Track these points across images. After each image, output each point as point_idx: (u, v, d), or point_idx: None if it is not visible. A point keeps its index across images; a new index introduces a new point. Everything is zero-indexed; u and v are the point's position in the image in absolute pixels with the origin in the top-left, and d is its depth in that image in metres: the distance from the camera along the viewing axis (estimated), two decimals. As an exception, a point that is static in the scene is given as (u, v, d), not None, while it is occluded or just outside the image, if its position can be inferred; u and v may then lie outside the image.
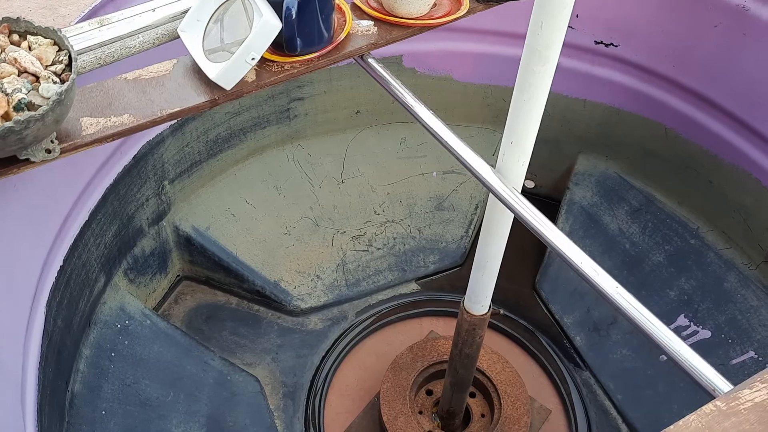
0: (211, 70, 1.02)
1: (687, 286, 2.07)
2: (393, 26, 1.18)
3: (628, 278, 2.11)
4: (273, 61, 1.08)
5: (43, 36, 0.92)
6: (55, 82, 0.88)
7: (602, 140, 2.25)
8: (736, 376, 1.89)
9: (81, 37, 1.07)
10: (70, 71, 0.90)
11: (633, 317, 0.86)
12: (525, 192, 1.06)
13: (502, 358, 1.89)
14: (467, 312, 1.49)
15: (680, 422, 0.67)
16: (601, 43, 2.02)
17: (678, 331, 2.00)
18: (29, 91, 0.86)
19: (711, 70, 1.88)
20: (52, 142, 0.91)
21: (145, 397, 1.76)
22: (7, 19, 0.91)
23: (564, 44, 0.96)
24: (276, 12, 1.02)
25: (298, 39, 1.05)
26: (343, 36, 1.13)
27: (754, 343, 1.93)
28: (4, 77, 0.86)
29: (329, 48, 1.11)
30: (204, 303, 2.17)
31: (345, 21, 1.16)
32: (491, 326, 2.12)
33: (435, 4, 1.22)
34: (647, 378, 1.96)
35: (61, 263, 1.57)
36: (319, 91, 2.19)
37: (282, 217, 2.24)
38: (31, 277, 1.46)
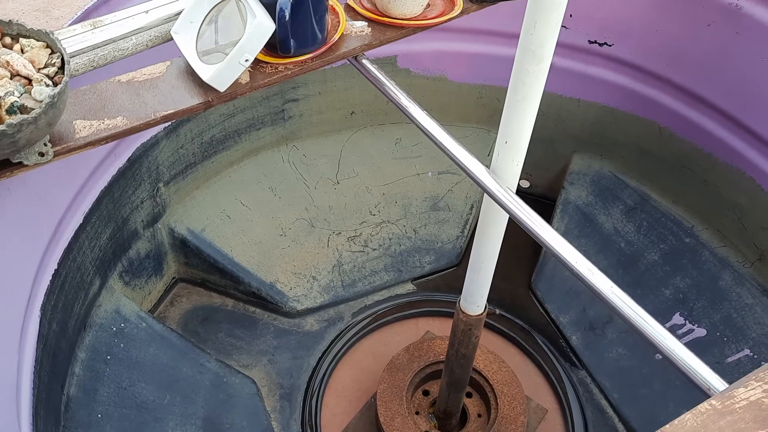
0: (205, 72, 1.02)
1: (682, 284, 2.07)
2: (387, 27, 1.18)
3: (624, 277, 2.12)
4: (267, 63, 1.08)
5: (35, 39, 0.92)
6: (47, 85, 0.88)
7: (597, 139, 2.26)
8: (732, 374, 1.89)
9: (74, 39, 1.06)
10: (63, 74, 0.89)
11: (628, 317, 0.86)
12: (520, 192, 1.07)
13: (498, 358, 1.89)
14: (463, 312, 1.49)
15: (675, 421, 0.67)
16: (595, 42, 2.02)
17: (673, 329, 2.01)
18: (22, 95, 0.86)
19: (705, 69, 1.89)
20: (45, 145, 0.91)
21: (141, 400, 1.75)
22: (-1, 22, 0.91)
23: (558, 44, 0.96)
24: (269, 13, 1.02)
25: (291, 40, 1.05)
26: (336, 37, 1.13)
27: (749, 341, 1.93)
28: (-4, 80, 0.86)
29: (323, 49, 1.11)
30: (200, 305, 2.17)
31: (339, 22, 1.16)
32: (487, 326, 2.12)
33: (428, 5, 1.22)
34: (643, 376, 1.96)
35: (56, 267, 1.57)
36: (313, 92, 2.18)
37: (277, 219, 2.24)
38: (26, 280, 1.45)
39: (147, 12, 1.12)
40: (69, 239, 1.61)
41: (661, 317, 2.03)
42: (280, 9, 1.01)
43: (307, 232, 2.25)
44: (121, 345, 1.81)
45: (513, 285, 2.24)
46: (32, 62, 0.89)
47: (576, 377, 2.03)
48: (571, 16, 1.99)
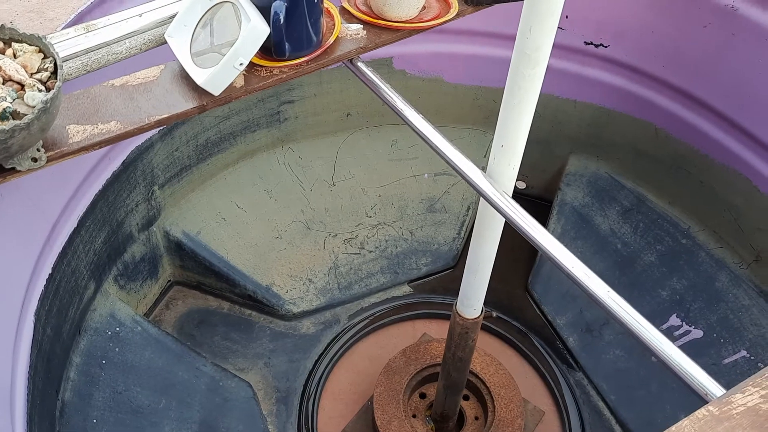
0: (199, 76, 1.02)
1: (679, 285, 2.07)
2: (382, 29, 1.17)
3: (620, 278, 2.12)
4: (261, 66, 1.08)
5: (28, 43, 0.91)
6: (40, 90, 0.87)
7: (593, 141, 2.25)
8: (729, 375, 1.89)
9: (67, 43, 1.06)
10: (56, 79, 0.89)
11: (625, 321, 0.86)
12: (516, 193, 1.06)
13: (495, 360, 1.89)
14: (460, 316, 1.49)
15: (673, 428, 0.67)
16: (591, 43, 2.02)
17: (670, 330, 2.01)
18: (14, 100, 0.85)
19: (701, 71, 1.89)
20: (38, 150, 0.90)
21: (136, 405, 1.75)
22: (-10, 27, 0.90)
23: (554, 45, 0.95)
24: (264, 16, 1.01)
25: (286, 43, 1.05)
26: (332, 40, 1.13)
27: (746, 342, 1.93)
28: (-13, 86, 0.85)
29: (318, 52, 1.11)
30: (195, 308, 2.16)
31: (334, 25, 1.15)
32: (484, 328, 2.12)
33: (424, 7, 1.21)
34: (640, 378, 1.96)
35: (50, 271, 1.56)
36: (309, 94, 2.18)
37: (273, 221, 2.23)
38: (19, 286, 1.44)
39: (141, 15, 1.11)
40: (63, 243, 1.60)
41: (658, 318, 2.03)
42: (275, 12, 1.00)
43: (303, 235, 2.24)
44: (117, 349, 1.80)
45: (510, 287, 2.24)
46: (25, 67, 0.88)
47: (573, 379, 2.02)
48: (567, 17, 1.99)
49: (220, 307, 2.16)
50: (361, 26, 1.17)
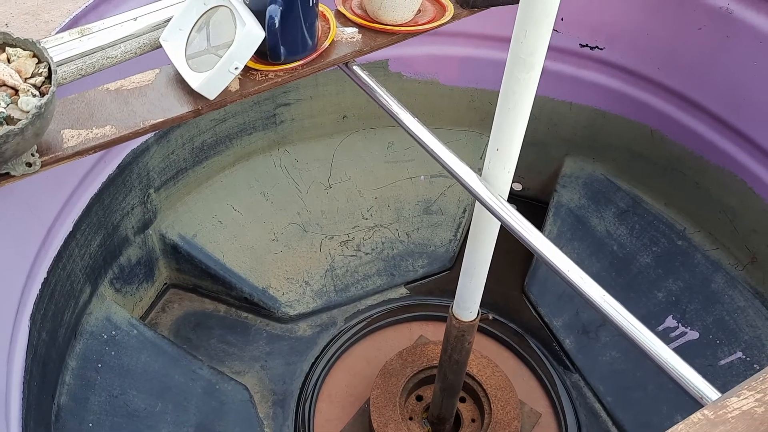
0: (194, 80, 1.01)
1: (675, 287, 2.07)
2: (378, 33, 1.17)
3: (617, 280, 2.12)
4: (257, 70, 1.08)
5: (22, 48, 0.91)
6: (34, 95, 0.87)
7: (589, 142, 2.26)
8: (725, 377, 1.90)
9: (61, 47, 1.05)
10: (50, 83, 0.88)
11: (620, 325, 0.86)
12: (512, 195, 1.06)
13: (491, 363, 1.89)
14: (456, 318, 1.49)
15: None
16: (587, 46, 2.03)
17: (666, 332, 2.01)
18: (8, 105, 0.85)
19: (696, 73, 1.89)
20: (32, 155, 0.90)
21: (132, 408, 1.74)
22: (-16, 32, 0.90)
23: (549, 47, 0.96)
24: (259, 20, 1.01)
25: (281, 47, 1.05)
26: (327, 44, 1.13)
27: (741, 343, 1.94)
28: (-19, 91, 0.85)
29: (313, 56, 1.11)
30: (191, 311, 2.16)
31: (329, 28, 1.15)
32: (480, 330, 2.12)
33: (419, 11, 1.22)
34: (636, 380, 1.97)
35: (45, 275, 1.55)
36: (305, 97, 2.18)
37: (269, 224, 2.23)
38: (14, 290, 1.44)
39: (135, 19, 1.11)
40: (58, 247, 1.60)
41: (654, 320, 2.03)
42: (270, 16, 1.00)
43: (299, 237, 2.24)
44: (112, 353, 1.79)
45: (506, 288, 2.24)
46: (19, 72, 0.88)
47: (569, 381, 2.03)
48: (562, 20, 1.99)
49: (216, 309, 2.16)
50: (357, 30, 1.17)
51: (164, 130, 1.88)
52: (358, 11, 1.19)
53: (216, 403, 1.85)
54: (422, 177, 2.38)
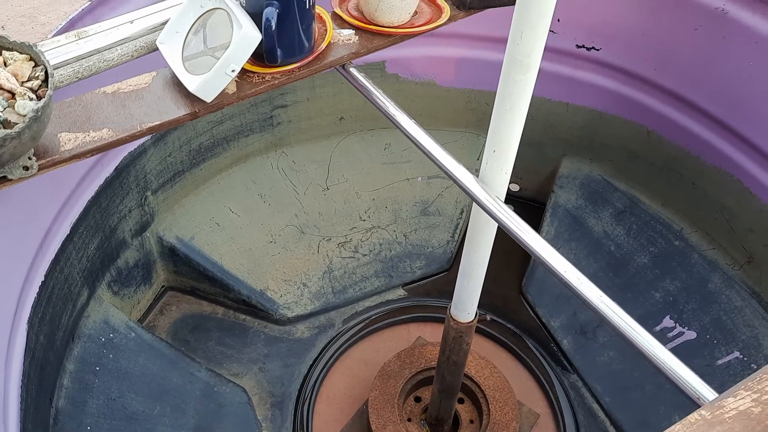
0: (191, 83, 1.02)
1: (672, 287, 2.08)
2: (374, 35, 1.17)
3: (614, 280, 2.12)
4: (254, 72, 1.08)
5: (18, 51, 0.91)
6: (31, 99, 0.87)
7: (586, 143, 2.26)
8: (722, 376, 1.90)
9: (58, 50, 1.06)
10: (47, 87, 0.88)
11: (617, 326, 0.86)
12: (510, 195, 1.06)
13: (489, 364, 1.89)
14: (454, 320, 1.49)
15: (666, 432, 0.67)
16: (583, 47, 2.03)
17: (664, 332, 2.01)
18: (5, 109, 0.85)
19: (692, 73, 1.90)
20: (29, 158, 0.90)
21: (131, 411, 1.74)
22: (-19, 36, 0.90)
23: (546, 48, 0.96)
24: (256, 23, 1.01)
25: (278, 50, 1.05)
26: (324, 46, 1.13)
27: (738, 343, 1.94)
28: (-22, 95, 0.85)
29: (310, 58, 1.11)
30: (189, 313, 2.15)
31: (326, 30, 1.16)
32: (478, 331, 2.12)
33: (416, 12, 1.22)
34: (634, 379, 1.97)
35: (43, 278, 1.55)
36: (302, 98, 2.18)
37: (267, 225, 2.23)
38: (12, 294, 1.44)
39: (132, 22, 1.11)
40: (56, 250, 1.60)
41: (652, 320, 2.04)
42: (267, 19, 1.00)
43: (297, 239, 2.24)
44: (110, 356, 1.79)
45: (504, 289, 2.24)
46: (15, 76, 0.88)
47: (567, 381, 2.03)
48: (558, 20, 2.00)
49: (214, 312, 2.16)
50: (353, 32, 1.17)
51: (161, 132, 1.88)
52: (355, 13, 1.19)
53: (214, 405, 1.85)
54: (420, 178, 2.39)
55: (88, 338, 1.78)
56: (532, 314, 2.17)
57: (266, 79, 1.08)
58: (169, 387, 1.83)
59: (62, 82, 1.04)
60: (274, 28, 1.01)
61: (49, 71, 0.89)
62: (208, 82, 0.99)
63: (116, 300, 1.95)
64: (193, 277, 2.13)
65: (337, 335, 2.12)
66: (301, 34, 1.07)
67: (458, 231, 2.31)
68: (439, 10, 1.23)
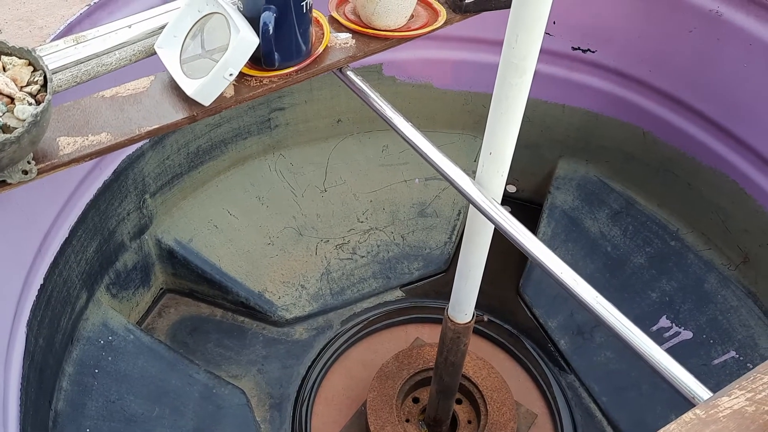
0: (189, 87, 1.02)
1: (668, 287, 2.09)
2: (371, 38, 1.18)
3: (611, 281, 2.13)
4: (251, 76, 1.09)
5: (17, 56, 0.92)
6: (30, 104, 0.88)
7: (582, 144, 2.27)
8: (719, 376, 1.91)
9: (56, 55, 1.06)
10: (46, 92, 0.89)
11: (613, 326, 0.87)
12: (507, 197, 1.07)
13: (487, 364, 1.90)
14: (451, 320, 1.50)
15: (661, 431, 0.68)
16: (579, 49, 2.04)
17: (660, 332, 2.02)
18: (4, 113, 0.85)
19: (687, 75, 1.91)
20: (28, 163, 0.91)
21: (130, 413, 1.74)
22: (-20, 41, 0.90)
23: (542, 50, 0.97)
24: (253, 27, 1.02)
25: (275, 54, 1.06)
26: (321, 49, 1.14)
27: (735, 343, 1.95)
28: (-22, 100, 0.85)
29: (308, 61, 1.12)
30: (188, 316, 2.16)
31: (323, 34, 1.16)
32: (476, 331, 2.13)
33: (412, 16, 1.23)
34: (631, 380, 1.98)
35: (42, 282, 1.55)
36: (299, 101, 2.19)
37: (265, 228, 2.23)
38: (11, 297, 1.44)
39: (130, 26, 1.12)
40: (55, 254, 1.60)
41: (648, 320, 2.05)
42: (264, 23, 1.01)
43: (294, 241, 2.25)
44: (109, 358, 1.80)
45: (501, 290, 2.25)
46: (14, 80, 0.89)
47: (565, 381, 2.04)
48: (554, 23, 2.01)
49: (212, 314, 2.16)
50: (350, 35, 1.18)
51: (159, 136, 1.88)
52: (352, 17, 1.20)
53: (213, 407, 1.85)
54: (417, 180, 2.39)
55: (87, 341, 1.79)
56: (530, 315, 2.18)
57: (264, 82, 1.08)
58: (168, 389, 1.83)
59: (61, 86, 1.04)
60: (271, 32, 1.01)
61: (47, 76, 0.89)
62: (206, 86, 1.00)
63: (115, 303, 1.95)
64: (192, 279, 2.13)
65: (335, 336, 2.13)
66: (299, 37, 1.08)
67: (455, 232, 2.32)
68: (436, 14, 1.24)
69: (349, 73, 1.16)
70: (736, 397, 0.71)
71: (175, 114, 1.02)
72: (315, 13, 1.16)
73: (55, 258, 1.61)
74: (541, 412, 1.99)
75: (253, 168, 2.26)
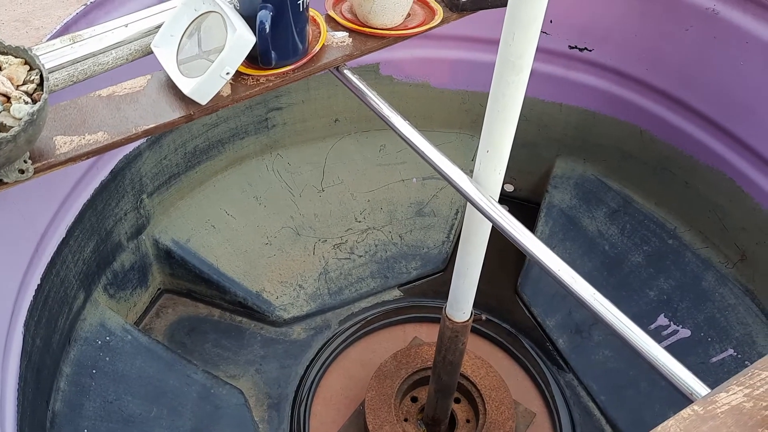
0: (186, 86, 1.02)
1: (666, 285, 2.09)
2: (368, 37, 1.18)
3: (608, 279, 2.13)
4: (248, 75, 1.08)
5: (13, 55, 0.91)
6: (26, 103, 0.87)
7: (579, 143, 2.27)
8: (717, 374, 1.91)
9: (53, 54, 1.06)
10: (42, 91, 0.89)
11: (611, 323, 0.87)
12: (504, 195, 1.07)
13: (485, 363, 1.90)
14: (449, 319, 1.50)
15: (659, 428, 0.68)
16: (576, 47, 2.04)
17: (658, 330, 2.03)
18: (0, 112, 0.85)
19: (684, 73, 1.91)
20: (25, 162, 0.91)
21: (127, 414, 1.74)
22: (-24, 40, 0.90)
23: (539, 49, 0.97)
24: (250, 26, 1.02)
25: (272, 52, 1.05)
26: (318, 48, 1.13)
27: (732, 340, 1.95)
28: (-26, 99, 0.85)
29: (304, 60, 1.12)
30: (186, 316, 2.16)
31: (320, 33, 1.16)
32: (474, 330, 2.13)
33: (409, 14, 1.23)
34: (629, 378, 1.98)
35: (39, 282, 1.55)
36: (296, 101, 2.18)
37: (263, 227, 2.23)
38: (8, 297, 1.44)
39: (126, 26, 1.11)
40: (52, 254, 1.60)
41: (646, 319, 2.05)
42: (260, 21, 1.01)
43: (292, 241, 2.25)
44: (107, 358, 1.79)
45: (499, 289, 2.25)
46: (10, 79, 0.88)
47: (563, 380, 2.04)
48: (551, 22, 2.01)
49: (210, 314, 2.16)
50: (347, 34, 1.18)
51: (156, 135, 1.89)
52: (349, 15, 1.20)
53: (211, 407, 1.85)
54: (414, 179, 2.39)
55: (84, 341, 1.78)
56: (528, 314, 2.18)
57: (261, 81, 1.08)
58: (165, 389, 1.83)
59: (57, 85, 1.04)
60: (268, 30, 1.01)
61: (44, 75, 0.89)
62: (203, 85, 1.00)
63: (112, 303, 1.95)
64: (189, 279, 2.13)
65: (333, 336, 2.12)
66: (295, 36, 1.08)
67: (453, 231, 2.32)
68: (432, 12, 1.24)
69: (346, 72, 1.16)
70: (734, 393, 0.71)
71: (171, 113, 1.02)
72: (312, 12, 1.16)
73: (52, 258, 1.60)
74: (540, 410, 1.99)
75: (250, 168, 2.26)
